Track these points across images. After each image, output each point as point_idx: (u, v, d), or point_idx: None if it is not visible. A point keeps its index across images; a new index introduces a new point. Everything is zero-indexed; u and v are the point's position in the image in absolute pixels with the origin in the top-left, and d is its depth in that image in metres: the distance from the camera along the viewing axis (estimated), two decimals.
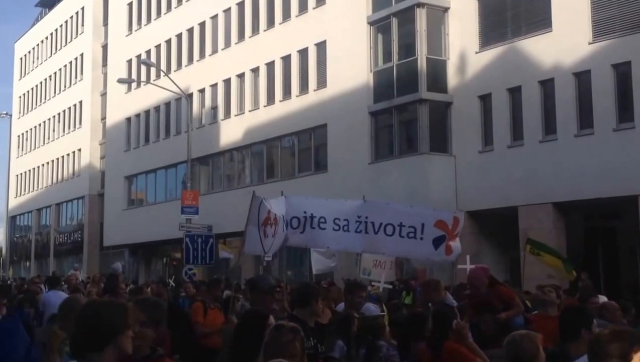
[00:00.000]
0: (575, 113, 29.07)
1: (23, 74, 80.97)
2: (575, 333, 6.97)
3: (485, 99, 32.30)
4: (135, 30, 56.42)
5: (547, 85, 30.11)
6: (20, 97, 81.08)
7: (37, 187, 75.14)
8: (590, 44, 28.70)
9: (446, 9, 34.15)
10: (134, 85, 54.44)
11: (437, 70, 33.87)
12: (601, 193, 27.43)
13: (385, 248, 13.81)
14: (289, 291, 15.59)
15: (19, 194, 79.05)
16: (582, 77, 28.96)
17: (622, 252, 29.65)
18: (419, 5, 33.69)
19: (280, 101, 41.79)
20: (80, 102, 66.16)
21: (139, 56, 53.81)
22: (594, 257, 29.63)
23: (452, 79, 33.68)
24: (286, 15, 41.97)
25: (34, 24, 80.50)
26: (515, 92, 31.19)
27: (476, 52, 32.78)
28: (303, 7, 40.83)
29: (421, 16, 33.74)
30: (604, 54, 28.16)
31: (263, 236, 12.35)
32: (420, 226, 12.97)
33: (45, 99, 74.31)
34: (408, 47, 34.54)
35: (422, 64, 33.52)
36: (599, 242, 30.23)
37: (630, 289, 26.62)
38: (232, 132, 45.04)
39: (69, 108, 68.35)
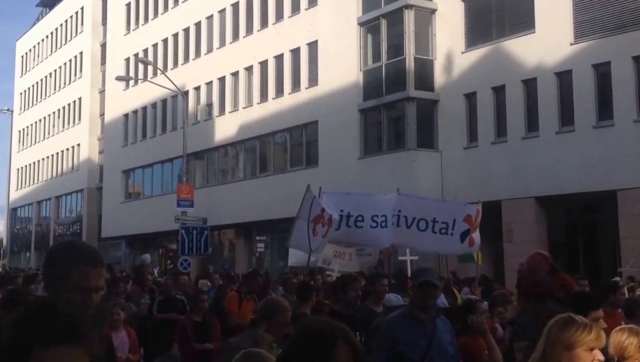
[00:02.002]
0: (556, 111, 29.71)
1: (24, 72, 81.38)
2: None
3: (471, 98, 32.93)
4: (133, 30, 56.83)
5: (530, 85, 30.74)
6: (21, 93, 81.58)
7: (38, 180, 75.64)
8: (571, 44, 29.35)
9: (433, 11, 34.70)
10: (131, 82, 54.96)
11: (424, 70, 34.46)
12: (581, 188, 28.09)
13: (416, 243, 13.82)
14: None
15: (19, 187, 79.56)
16: (564, 77, 29.59)
17: (601, 244, 30.14)
18: (408, 6, 34.24)
19: (273, 99, 42.28)
20: (80, 98, 66.66)
21: (136, 55, 54.25)
22: (575, 249, 30.12)
23: (439, 78, 34.27)
24: (279, 16, 42.43)
25: (34, 23, 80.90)
26: (499, 91, 31.82)
27: (462, 52, 33.39)
28: (295, 8, 41.30)
29: (409, 17, 34.29)
30: (585, 55, 28.79)
31: (312, 234, 12.36)
32: (452, 221, 13.11)
33: (45, 95, 74.76)
34: (397, 47, 35.08)
35: (410, 63, 34.10)
36: (579, 235, 30.69)
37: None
38: (226, 128, 45.54)
39: (69, 104, 68.82)
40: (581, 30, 29.25)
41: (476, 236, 13.44)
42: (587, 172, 27.93)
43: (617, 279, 19.91)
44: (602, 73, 28.61)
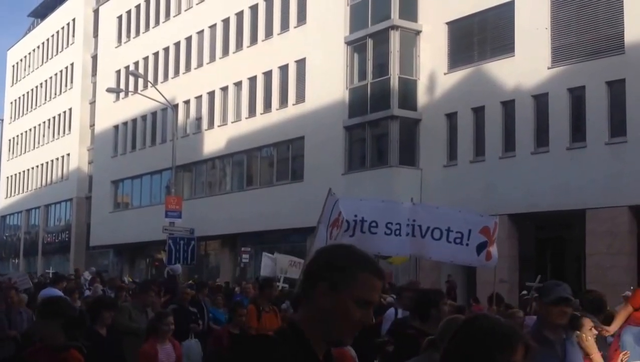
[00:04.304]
0: (532, 132, 30.52)
1: (15, 81, 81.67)
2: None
3: (451, 117, 33.67)
4: (125, 42, 57.28)
5: (508, 106, 31.52)
6: (11, 102, 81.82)
7: (27, 189, 75.84)
8: (549, 68, 30.14)
9: (418, 32, 35.37)
10: (122, 94, 55.31)
11: (408, 89, 35.16)
12: (553, 206, 28.87)
13: (431, 252, 13.57)
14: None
15: (9, 195, 79.88)
16: (541, 100, 30.39)
17: (568, 259, 30.79)
18: (393, 27, 34.94)
19: (261, 114, 42.79)
20: (70, 109, 67.06)
21: (127, 67, 54.58)
22: (543, 264, 30.57)
23: (422, 97, 34.99)
24: (269, 33, 42.98)
25: (26, 33, 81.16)
26: (478, 112, 32.57)
27: (444, 73, 34.13)
28: (285, 26, 41.87)
29: (395, 38, 34.98)
30: (561, 79, 29.58)
31: (329, 237, 12.24)
32: (467, 231, 12.87)
33: (36, 105, 75.01)
34: (382, 67, 35.78)
35: (394, 83, 34.77)
36: (548, 251, 31.25)
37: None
38: (214, 141, 46.06)
39: (59, 115, 69.16)
40: (558, 56, 30.04)
41: (493, 250, 13.07)
42: (559, 191, 28.62)
43: (525, 292, 20.66)
44: (577, 97, 29.37)
